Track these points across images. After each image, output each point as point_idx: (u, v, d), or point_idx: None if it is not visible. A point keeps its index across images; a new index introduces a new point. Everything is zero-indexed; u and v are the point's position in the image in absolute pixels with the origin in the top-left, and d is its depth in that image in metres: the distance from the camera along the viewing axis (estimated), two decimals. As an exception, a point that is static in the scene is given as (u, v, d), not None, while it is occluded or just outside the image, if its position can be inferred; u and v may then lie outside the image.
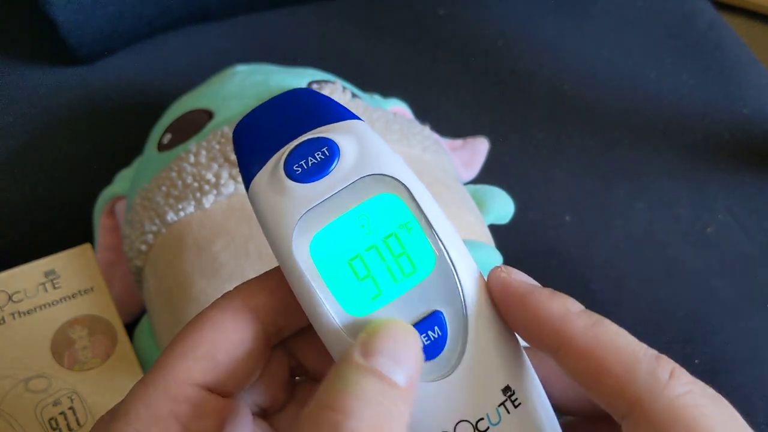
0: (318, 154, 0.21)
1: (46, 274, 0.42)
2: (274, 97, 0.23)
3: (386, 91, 0.56)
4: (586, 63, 0.66)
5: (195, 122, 0.45)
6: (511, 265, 0.22)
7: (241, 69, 0.50)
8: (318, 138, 0.22)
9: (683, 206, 0.56)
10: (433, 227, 0.21)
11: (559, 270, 0.52)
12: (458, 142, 0.56)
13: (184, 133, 0.45)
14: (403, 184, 0.22)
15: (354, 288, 0.21)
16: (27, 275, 0.42)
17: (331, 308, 0.21)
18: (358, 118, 0.23)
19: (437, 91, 0.64)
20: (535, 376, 0.22)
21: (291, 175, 0.21)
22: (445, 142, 0.54)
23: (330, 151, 0.22)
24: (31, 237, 0.55)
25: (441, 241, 0.21)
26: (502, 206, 0.44)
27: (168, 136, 0.46)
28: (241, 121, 0.23)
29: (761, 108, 0.62)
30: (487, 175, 0.55)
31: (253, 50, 0.66)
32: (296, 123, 0.22)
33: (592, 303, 0.54)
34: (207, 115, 0.45)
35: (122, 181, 0.49)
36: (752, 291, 0.51)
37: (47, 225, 0.56)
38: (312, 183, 0.21)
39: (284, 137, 0.22)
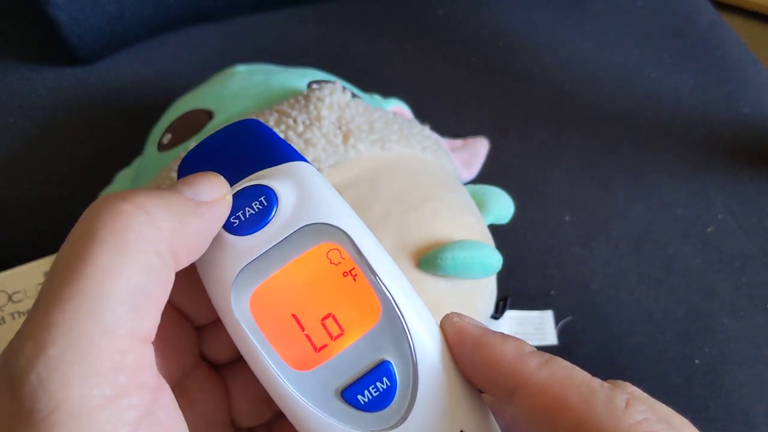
0: (256, 204, 0.21)
1: (46, 274, 0.42)
2: (220, 129, 0.23)
3: (386, 91, 0.56)
4: (586, 63, 0.66)
5: (195, 122, 0.45)
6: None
7: (241, 69, 0.50)
8: (255, 186, 0.21)
9: (683, 206, 0.56)
10: (377, 275, 0.21)
11: (559, 270, 0.52)
12: (458, 142, 0.56)
13: (184, 133, 0.45)
14: (344, 232, 0.21)
15: (299, 341, 0.20)
16: (27, 275, 0.42)
17: (275, 365, 0.20)
18: (302, 159, 0.22)
19: (437, 91, 0.64)
20: (492, 419, 0.21)
21: (228, 228, 0.21)
22: (445, 142, 0.54)
23: (268, 200, 0.21)
24: (31, 237, 0.55)
25: (386, 289, 0.21)
26: (502, 206, 0.44)
27: (168, 136, 0.46)
28: (186, 155, 0.22)
29: (761, 108, 0.62)
30: (487, 175, 0.55)
31: (253, 50, 0.66)
32: (236, 165, 0.22)
33: (592, 303, 0.54)
34: (207, 115, 0.45)
35: (122, 181, 0.49)
36: (752, 291, 0.51)
37: (47, 225, 0.56)
38: (250, 235, 0.21)
39: (226, 173, 0.21)
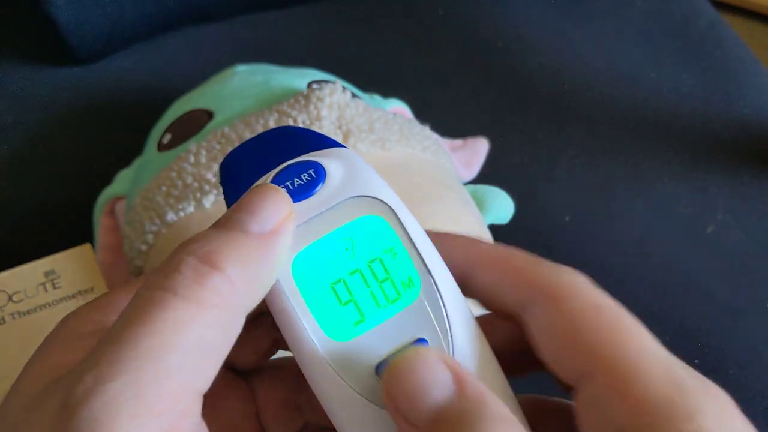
0: (304, 176, 0.21)
1: (46, 274, 0.42)
2: (261, 133, 0.24)
3: (386, 91, 0.56)
4: (586, 63, 0.66)
5: (195, 122, 0.45)
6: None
7: (241, 69, 0.50)
8: (304, 161, 0.22)
9: (683, 206, 0.56)
10: (419, 252, 0.21)
11: (559, 270, 0.52)
12: (458, 142, 0.56)
13: (184, 133, 0.45)
14: (389, 206, 0.21)
15: (336, 312, 0.20)
16: (27, 275, 0.42)
17: (312, 332, 0.20)
18: (344, 146, 0.23)
19: (437, 91, 0.64)
20: (515, 399, 0.21)
21: None
22: (445, 142, 0.54)
23: (316, 173, 0.21)
24: (31, 237, 0.55)
25: (427, 268, 0.21)
26: (502, 206, 0.44)
27: (168, 136, 0.46)
28: (228, 155, 0.23)
29: (761, 108, 0.62)
30: (487, 175, 0.55)
31: (253, 50, 0.66)
32: (282, 152, 0.22)
33: (592, 303, 0.53)
34: (207, 115, 0.45)
35: (122, 181, 0.49)
36: (752, 291, 0.51)
37: (47, 225, 0.56)
38: (297, 203, 0.21)
39: (270, 164, 0.22)
